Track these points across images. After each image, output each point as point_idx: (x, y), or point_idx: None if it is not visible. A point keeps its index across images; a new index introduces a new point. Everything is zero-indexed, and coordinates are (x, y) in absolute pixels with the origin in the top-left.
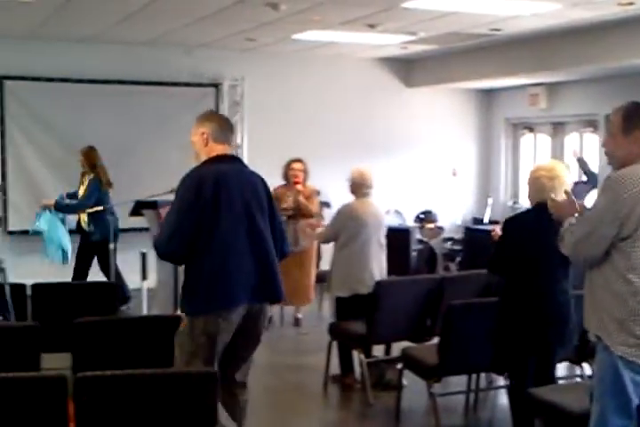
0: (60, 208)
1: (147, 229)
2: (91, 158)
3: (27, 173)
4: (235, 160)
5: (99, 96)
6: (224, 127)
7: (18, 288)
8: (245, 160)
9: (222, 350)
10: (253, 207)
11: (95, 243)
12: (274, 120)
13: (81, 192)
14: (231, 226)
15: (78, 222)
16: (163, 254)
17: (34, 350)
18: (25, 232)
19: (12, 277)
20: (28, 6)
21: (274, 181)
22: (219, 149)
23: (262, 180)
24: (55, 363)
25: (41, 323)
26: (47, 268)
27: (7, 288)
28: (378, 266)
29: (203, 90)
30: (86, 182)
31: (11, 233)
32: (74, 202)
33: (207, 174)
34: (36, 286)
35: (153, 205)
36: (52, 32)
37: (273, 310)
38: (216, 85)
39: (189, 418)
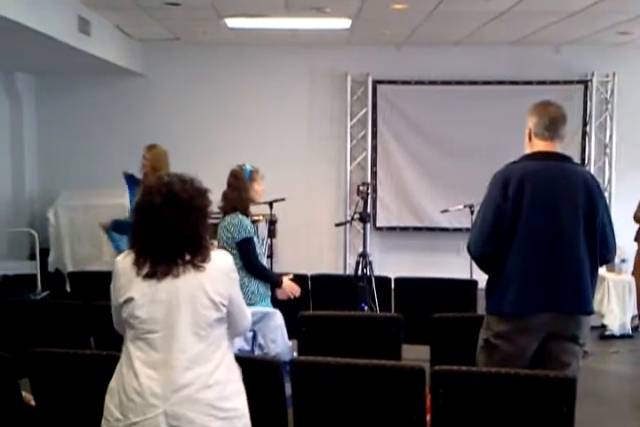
0: None
1: None
2: None
3: (395, 172)
4: (555, 158)
5: (463, 98)
6: (547, 122)
7: (383, 281)
8: (613, 159)
9: (519, 356)
10: (564, 208)
11: None
12: None
13: None
14: (533, 226)
15: None
16: (472, 256)
17: (395, 340)
18: (391, 228)
19: (378, 271)
20: (401, 14)
21: None
22: (540, 146)
23: (589, 180)
24: (415, 354)
25: (403, 315)
26: (410, 262)
27: (373, 281)
28: None
29: (570, 87)
30: None
31: (379, 229)
32: None
33: (514, 172)
34: (398, 280)
35: None
36: (421, 37)
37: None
38: (584, 82)
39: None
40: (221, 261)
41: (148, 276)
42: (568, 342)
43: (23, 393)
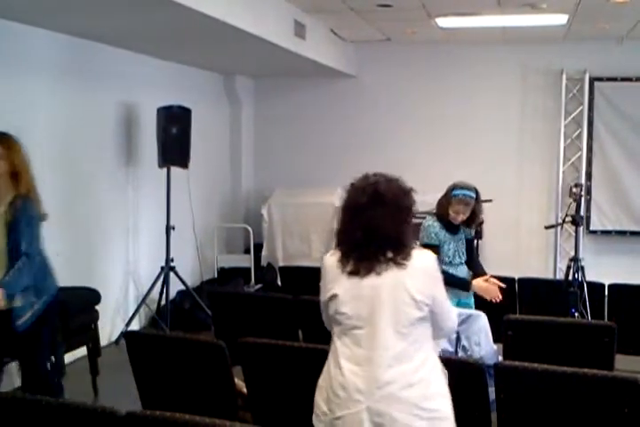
0: None
1: None
2: None
3: (611, 173)
4: None
5: None
6: None
7: (595, 287)
8: None
9: None
10: None
11: None
12: None
13: None
14: None
15: None
16: None
17: (607, 349)
18: (606, 232)
19: (591, 276)
20: (622, 7)
21: None
22: None
23: None
24: (630, 365)
25: (617, 323)
26: (626, 268)
27: (585, 287)
28: None
29: None
30: None
31: (592, 232)
32: None
33: None
34: (612, 286)
35: None
36: None
37: None
38: None
39: None
40: (423, 259)
41: (352, 273)
42: None
43: (236, 380)
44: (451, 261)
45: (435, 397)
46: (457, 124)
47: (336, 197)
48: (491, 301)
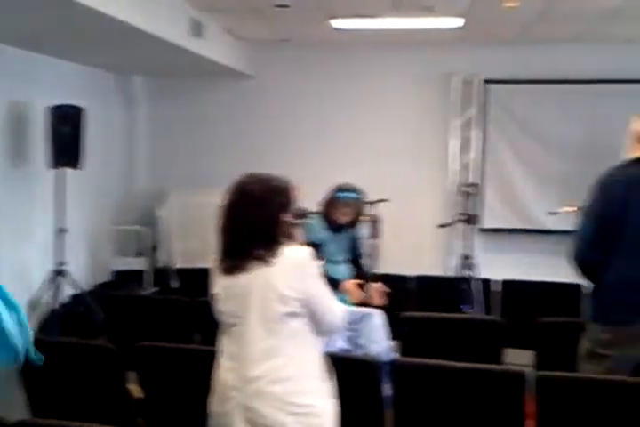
0: None
1: None
2: None
3: (502, 173)
4: None
5: (576, 96)
6: None
7: (486, 283)
8: None
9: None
10: None
11: None
12: None
13: None
14: (639, 232)
15: None
16: (577, 264)
17: (496, 344)
18: (496, 230)
19: (482, 273)
20: (514, 12)
21: None
22: None
23: None
24: (519, 359)
25: (507, 318)
26: (515, 265)
27: (476, 283)
28: None
29: None
30: None
31: (484, 231)
32: None
33: (618, 178)
34: (505, 283)
35: None
36: (534, 35)
37: None
38: None
39: None
40: (293, 255)
41: (226, 271)
42: None
43: (130, 386)
44: (331, 260)
45: (307, 392)
46: (354, 125)
47: None
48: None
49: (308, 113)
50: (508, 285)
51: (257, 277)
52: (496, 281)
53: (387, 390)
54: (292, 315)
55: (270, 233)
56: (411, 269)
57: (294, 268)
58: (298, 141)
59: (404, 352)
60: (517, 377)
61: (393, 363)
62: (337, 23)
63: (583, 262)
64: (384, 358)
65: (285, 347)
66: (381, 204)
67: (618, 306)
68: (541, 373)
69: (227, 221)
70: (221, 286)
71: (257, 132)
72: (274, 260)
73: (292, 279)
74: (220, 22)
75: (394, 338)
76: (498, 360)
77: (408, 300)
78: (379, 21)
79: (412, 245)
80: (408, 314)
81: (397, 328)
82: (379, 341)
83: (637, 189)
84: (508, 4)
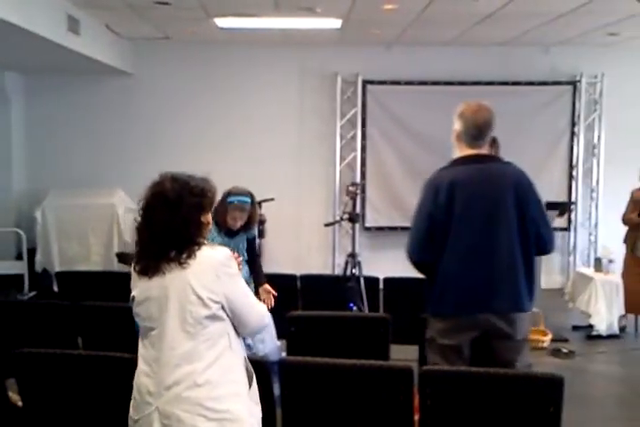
0: None
1: None
2: None
3: (383, 172)
4: (483, 160)
5: (452, 98)
6: (474, 131)
7: (371, 281)
8: (601, 160)
9: (456, 352)
10: (495, 210)
11: None
12: (633, 119)
13: None
14: (466, 230)
15: None
16: (411, 262)
17: (383, 340)
18: (379, 228)
19: (367, 271)
20: (391, 14)
21: (630, 182)
22: (467, 150)
23: (519, 178)
24: (404, 354)
25: (392, 315)
26: (399, 262)
27: (362, 281)
28: None
29: (559, 88)
30: None
31: (367, 229)
32: None
33: (443, 179)
34: (386, 280)
35: None
36: (411, 37)
37: (628, 320)
38: (573, 83)
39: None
40: (210, 256)
41: (142, 273)
42: (505, 339)
43: (10, 394)
44: None
45: (224, 397)
46: (239, 124)
47: (117, 199)
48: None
49: (193, 112)
50: (389, 282)
51: (174, 280)
52: (380, 279)
53: (276, 389)
54: (213, 318)
55: (186, 234)
56: (299, 269)
57: (212, 269)
58: (179, 141)
59: (291, 352)
60: (405, 373)
61: (281, 362)
62: (221, 22)
63: (416, 260)
64: (272, 358)
65: (205, 351)
66: (267, 203)
67: (448, 302)
68: (425, 368)
69: (143, 222)
70: (139, 288)
71: (137, 131)
72: (190, 262)
73: (210, 281)
74: (98, 19)
75: (281, 338)
76: (385, 356)
77: (294, 299)
78: (261, 21)
79: (300, 244)
80: (295, 313)
81: (284, 328)
82: (267, 340)
83: (461, 189)
84: (386, 7)
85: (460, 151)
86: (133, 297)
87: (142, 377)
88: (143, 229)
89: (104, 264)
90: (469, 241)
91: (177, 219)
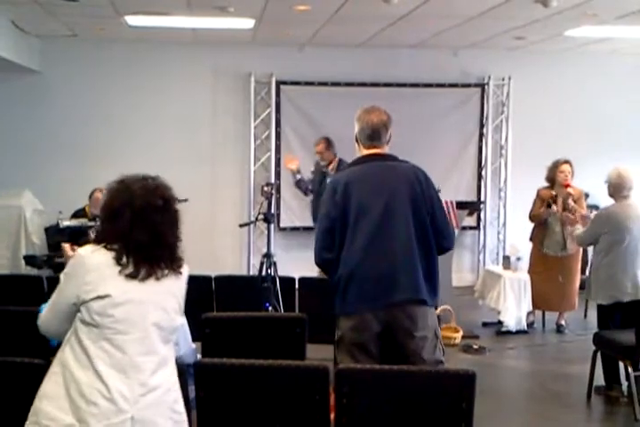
0: None
1: None
2: None
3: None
4: (378, 158)
5: (365, 99)
6: (369, 132)
7: (287, 281)
8: (509, 160)
9: (364, 349)
10: (390, 206)
11: None
12: (538, 120)
13: None
14: (362, 228)
15: None
16: (315, 262)
17: (299, 340)
18: (295, 229)
19: (282, 271)
20: (304, 15)
21: (536, 181)
22: (365, 151)
23: (415, 173)
24: (320, 354)
25: (307, 315)
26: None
27: (277, 281)
28: None
29: (468, 90)
30: None
31: (282, 229)
32: None
33: (341, 179)
34: (301, 280)
35: None
36: (324, 39)
37: (536, 316)
38: (481, 85)
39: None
40: (186, 269)
41: (130, 275)
42: (408, 335)
43: None
44: None
45: (180, 399)
46: (151, 123)
47: (24, 200)
48: None
49: (103, 111)
50: (305, 282)
51: (165, 287)
52: (295, 279)
53: (192, 392)
54: (182, 325)
55: (179, 243)
56: (214, 270)
57: (186, 281)
58: (88, 141)
59: (207, 353)
60: (321, 372)
61: (196, 365)
62: (132, 20)
63: (318, 261)
64: (187, 360)
65: (171, 356)
66: (181, 204)
67: (350, 299)
68: (340, 366)
69: (138, 222)
70: (118, 289)
71: (44, 130)
72: (182, 271)
73: (184, 292)
74: (3, 15)
75: (196, 340)
76: (301, 356)
77: (209, 301)
78: (173, 19)
79: (215, 245)
80: (210, 315)
81: (199, 329)
82: (181, 343)
83: (357, 186)
84: (299, 8)
85: (360, 152)
86: (105, 296)
87: (113, 383)
88: (139, 231)
89: (10, 267)
90: (367, 235)
91: (175, 227)
